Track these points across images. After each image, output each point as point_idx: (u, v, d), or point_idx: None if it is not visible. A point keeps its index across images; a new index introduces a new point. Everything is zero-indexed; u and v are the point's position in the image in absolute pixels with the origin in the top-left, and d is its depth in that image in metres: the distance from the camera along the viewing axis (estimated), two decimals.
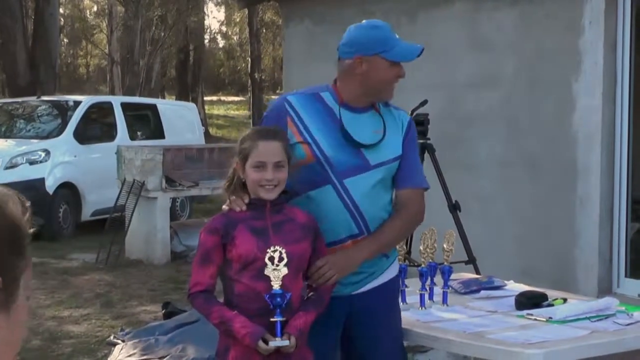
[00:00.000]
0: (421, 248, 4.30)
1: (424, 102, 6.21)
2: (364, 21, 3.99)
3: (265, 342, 3.51)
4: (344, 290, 3.85)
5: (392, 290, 4.00)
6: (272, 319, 3.53)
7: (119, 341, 7.38)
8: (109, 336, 7.62)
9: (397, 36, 3.90)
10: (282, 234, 3.61)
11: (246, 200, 3.66)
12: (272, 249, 3.51)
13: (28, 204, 1.39)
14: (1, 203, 1.35)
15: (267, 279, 3.53)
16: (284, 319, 3.53)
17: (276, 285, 3.51)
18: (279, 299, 3.51)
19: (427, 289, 4.30)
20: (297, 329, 3.55)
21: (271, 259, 3.50)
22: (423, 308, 4.23)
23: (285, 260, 3.50)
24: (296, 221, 3.66)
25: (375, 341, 3.92)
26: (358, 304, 3.89)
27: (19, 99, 16.39)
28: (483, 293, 4.56)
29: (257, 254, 3.55)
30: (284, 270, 3.51)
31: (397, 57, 3.87)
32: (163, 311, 8.23)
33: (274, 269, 3.50)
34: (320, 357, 3.80)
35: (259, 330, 3.51)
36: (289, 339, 3.52)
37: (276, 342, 3.51)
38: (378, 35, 3.88)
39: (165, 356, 6.89)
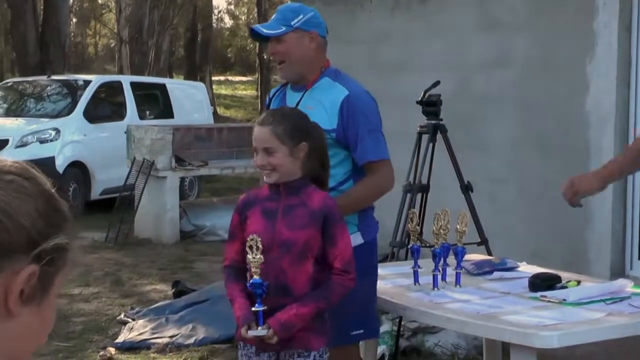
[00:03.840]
0: (434, 228, 4.28)
1: (437, 83, 6.18)
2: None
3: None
4: None
5: None
6: (253, 309, 3.55)
7: (130, 319, 7.40)
8: (119, 314, 7.64)
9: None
10: (289, 218, 3.62)
11: None
12: (250, 237, 3.52)
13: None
14: (55, 196, 1.35)
15: (268, 260, 3.56)
16: (264, 307, 3.52)
17: (256, 274, 3.52)
18: (259, 290, 3.52)
19: (440, 269, 4.29)
20: (279, 322, 3.52)
21: (250, 247, 3.51)
22: (436, 289, 4.22)
23: (261, 248, 3.49)
24: (308, 206, 3.64)
25: None
26: None
27: (29, 78, 16.41)
28: (496, 274, 4.55)
29: (263, 236, 3.57)
30: (260, 259, 3.50)
31: None
32: (173, 290, 8.25)
33: (253, 258, 3.50)
34: None
35: (248, 317, 3.54)
36: (268, 330, 3.51)
37: (253, 332, 3.52)
38: None
39: (176, 335, 6.90)
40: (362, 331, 4.11)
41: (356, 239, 4.03)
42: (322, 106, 4.01)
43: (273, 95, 4.32)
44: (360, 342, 4.41)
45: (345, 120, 3.97)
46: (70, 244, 1.34)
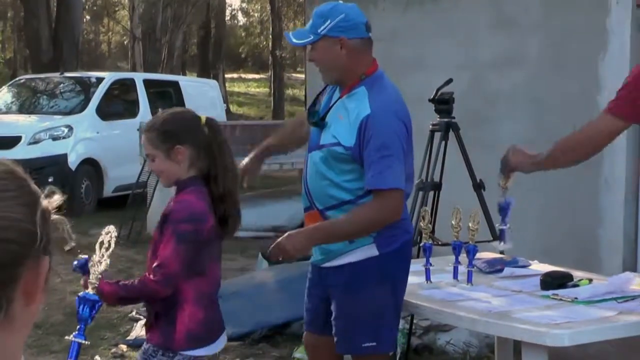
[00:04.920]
0: (453, 223, 4.29)
1: (449, 81, 6.17)
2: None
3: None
4: (315, 259, 4.13)
5: (351, 275, 3.98)
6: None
7: (141, 317, 7.41)
8: (131, 312, 7.65)
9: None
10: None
11: None
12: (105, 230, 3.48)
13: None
14: (23, 175, 1.34)
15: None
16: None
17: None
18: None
19: (460, 262, 4.32)
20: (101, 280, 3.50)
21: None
22: (457, 280, 4.26)
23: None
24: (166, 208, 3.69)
25: (334, 317, 4.06)
26: (325, 277, 4.10)
27: (42, 75, 16.46)
28: (507, 270, 4.54)
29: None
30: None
31: None
32: None
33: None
34: (310, 313, 4.24)
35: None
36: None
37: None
38: None
39: None
40: (374, 344, 4.01)
41: (370, 250, 3.97)
42: (348, 119, 3.91)
43: (324, 88, 4.21)
44: None
45: (362, 141, 3.84)
46: (47, 207, 1.34)
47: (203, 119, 3.75)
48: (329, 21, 3.93)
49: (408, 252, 4.13)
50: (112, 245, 2.91)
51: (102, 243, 3.04)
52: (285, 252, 3.87)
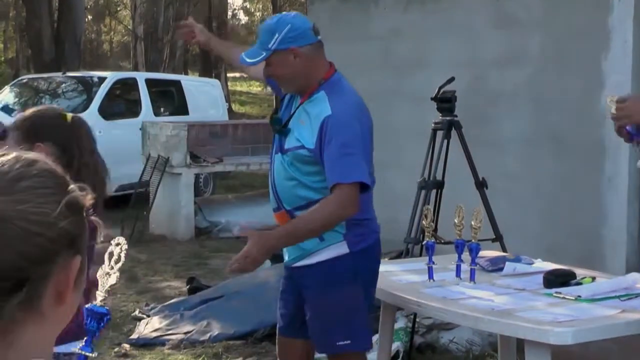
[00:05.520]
0: (456, 221, 4.29)
1: (451, 79, 6.17)
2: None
3: None
4: (287, 260, 4.16)
5: (324, 273, 3.99)
6: None
7: (144, 316, 7.42)
8: (134, 311, 7.65)
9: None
10: None
11: None
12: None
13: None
14: (59, 172, 1.36)
15: None
16: None
17: None
18: None
19: (461, 261, 4.32)
20: None
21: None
22: (460, 278, 4.25)
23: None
24: None
25: (309, 318, 4.07)
26: (296, 277, 4.13)
27: (44, 75, 16.45)
28: (508, 266, 4.53)
29: None
30: None
31: None
32: (187, 286, 8.26)
33: None
34: (285, 318, 4.27)
35: None
36: None
37: None
38: None
39: (190, 331, 6.91)
40: (348, 342, 4.01)
41: (341, 248, 3.98)
42: (309, 123, 3.93)
43: (284, 96, 4.21)
44: (374, 341, 4.41)
45: (323, 142, 3.85)
46: (83, 206, 1.35)
47: (68, 117, 3.70)
48: (277, 35, 3.93)
49: (377, 252, 4.13)
50: (123, 258, 2.88)
51: (111, 254, 3.00)
52: (255, 260, 3.90)
